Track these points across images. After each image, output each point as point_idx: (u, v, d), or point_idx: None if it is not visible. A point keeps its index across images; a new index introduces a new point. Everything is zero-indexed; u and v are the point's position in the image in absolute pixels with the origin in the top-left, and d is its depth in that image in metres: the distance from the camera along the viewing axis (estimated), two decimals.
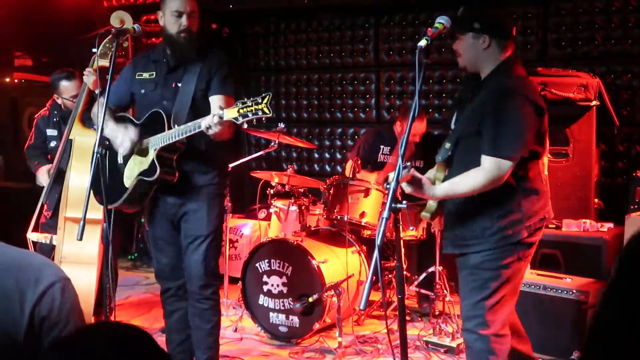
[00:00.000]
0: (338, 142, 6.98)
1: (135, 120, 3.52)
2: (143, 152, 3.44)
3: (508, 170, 2.76)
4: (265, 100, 3.03)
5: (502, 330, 2.93)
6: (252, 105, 3.04)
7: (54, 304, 1.45)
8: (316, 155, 7.10)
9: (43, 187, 4.41)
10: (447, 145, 3.00)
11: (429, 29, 2.61)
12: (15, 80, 6.67)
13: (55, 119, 4.65)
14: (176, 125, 3.32)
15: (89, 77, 4.08)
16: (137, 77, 3.62)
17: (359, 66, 6.77)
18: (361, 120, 6.82)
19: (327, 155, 7.05)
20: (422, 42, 2.52)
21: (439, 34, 2.65)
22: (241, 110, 3.06)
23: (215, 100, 3.45)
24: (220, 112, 3.11)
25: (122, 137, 3.41)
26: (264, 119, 3.06)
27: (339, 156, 6.95)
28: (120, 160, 3.53)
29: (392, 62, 6.61)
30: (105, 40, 3.92)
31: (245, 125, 3.10)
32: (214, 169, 3.58)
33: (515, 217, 2.86)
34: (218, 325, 3.69)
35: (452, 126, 3.12)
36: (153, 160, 3.36)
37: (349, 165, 5.25)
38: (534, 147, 2.85)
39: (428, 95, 6.36)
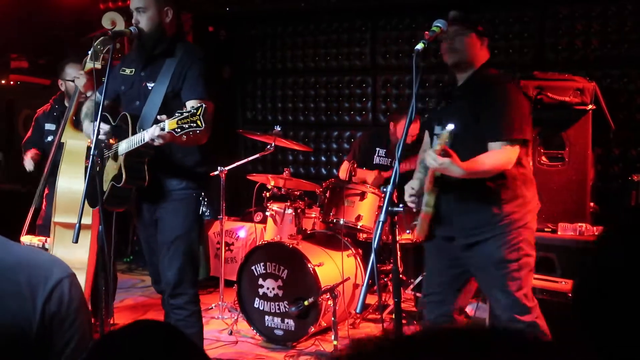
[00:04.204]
0: (334, 145, 6.98)
1: (111, 121, 3.37)
2: (115, 157, 3.30)
3: (517, 153, 2.87)
4: (199, 112, 2.80)
5: (537, 308, 3.04)
6: (188, 117, 2.81)
7: (62, 300, 1.50)
8: (312, 158, 7.09)
9: (30, 171, 4.52)
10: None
11: (426, 32, 2.61)
12: (11, 82, 6.64)
13: (55, 114, 4.66)
14: (141, 130, 3.10)
15: (80, 80, 4.03)
16: (120, 73, 3.47)
17: (356, 69, 6.78)
18: (357, 123, 6.82)
19: (323, 158, 7.05)
20: (420, 46, 2.52)
21: (436, 37, 2.65)
22: (179, 122, 2.83)
23: (192, 105, 3.15)
24: (162, 123, 2.89)
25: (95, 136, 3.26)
26: (198, 131, 2.83)
27: (335, 159, 6.95)
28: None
29: (388, 65, 6.62)
30: (96, 43, 3.86)
31: (184, 138, 2.86)
32: (183, 173, 3.38)
33: (519, 201, 2.96)
34: (197, 337, 3.43)
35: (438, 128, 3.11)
36: (121, 166, 3.22)
37: (344, 167, 5.23)
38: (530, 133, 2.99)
39: (424, 98, 6.36)
